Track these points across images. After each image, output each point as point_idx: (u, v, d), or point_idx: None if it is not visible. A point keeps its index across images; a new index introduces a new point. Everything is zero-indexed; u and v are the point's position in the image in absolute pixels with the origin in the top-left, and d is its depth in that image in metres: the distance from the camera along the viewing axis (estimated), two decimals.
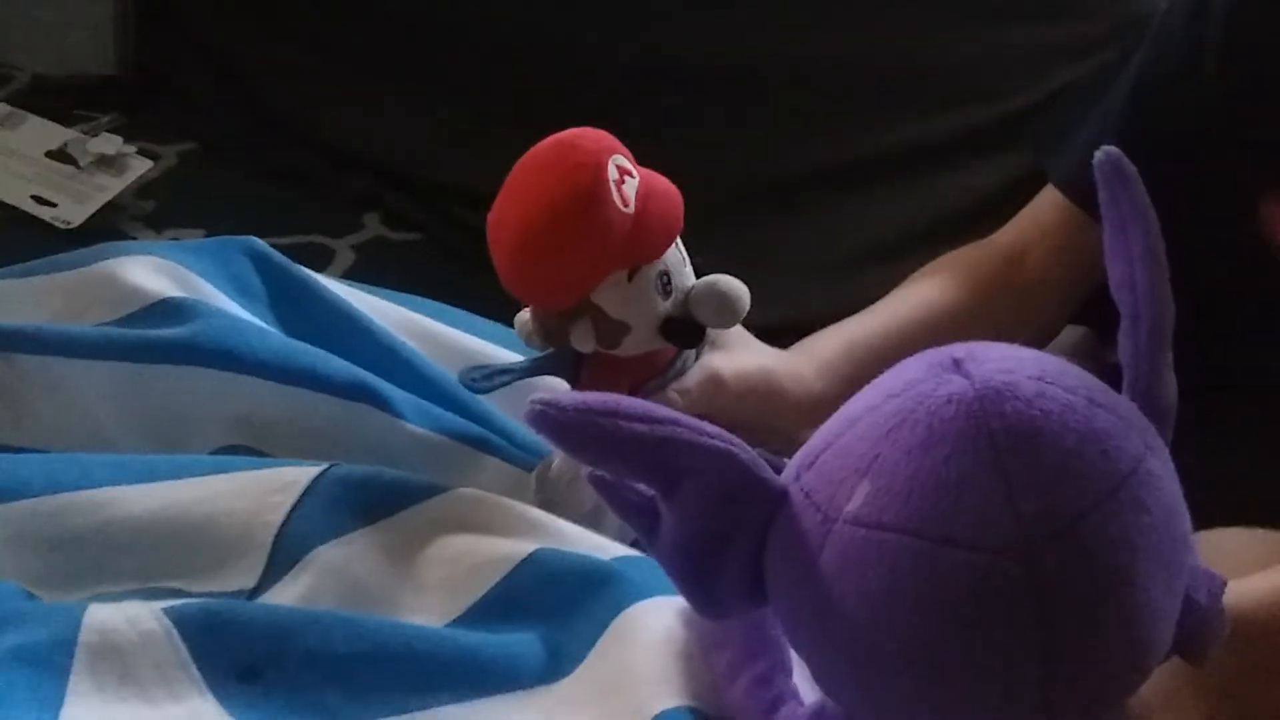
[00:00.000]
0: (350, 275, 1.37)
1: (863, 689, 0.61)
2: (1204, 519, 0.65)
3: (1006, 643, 0.58)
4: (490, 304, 0.97)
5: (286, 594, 0.77)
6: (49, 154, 1.55)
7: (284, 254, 1.01)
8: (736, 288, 0.87)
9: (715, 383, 0.91)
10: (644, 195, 0.84)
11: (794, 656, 0.68)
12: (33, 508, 0.80)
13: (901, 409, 0.60)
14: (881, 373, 0.63)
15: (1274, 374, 0.98)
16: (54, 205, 1.49)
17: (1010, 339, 0.64)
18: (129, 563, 0.79)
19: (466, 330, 1.01)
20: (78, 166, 1.53)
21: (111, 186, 1.51)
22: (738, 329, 0.94)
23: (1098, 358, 1.10)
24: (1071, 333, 1.14)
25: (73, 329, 0.92)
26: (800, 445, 0.64)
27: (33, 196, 1.50)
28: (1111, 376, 0.65)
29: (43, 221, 1.48)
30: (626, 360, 0.87)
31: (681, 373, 0.90)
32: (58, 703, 0.67)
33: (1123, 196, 0.66)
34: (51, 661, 0.69)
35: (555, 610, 0.75)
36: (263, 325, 0.95)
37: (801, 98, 1.45)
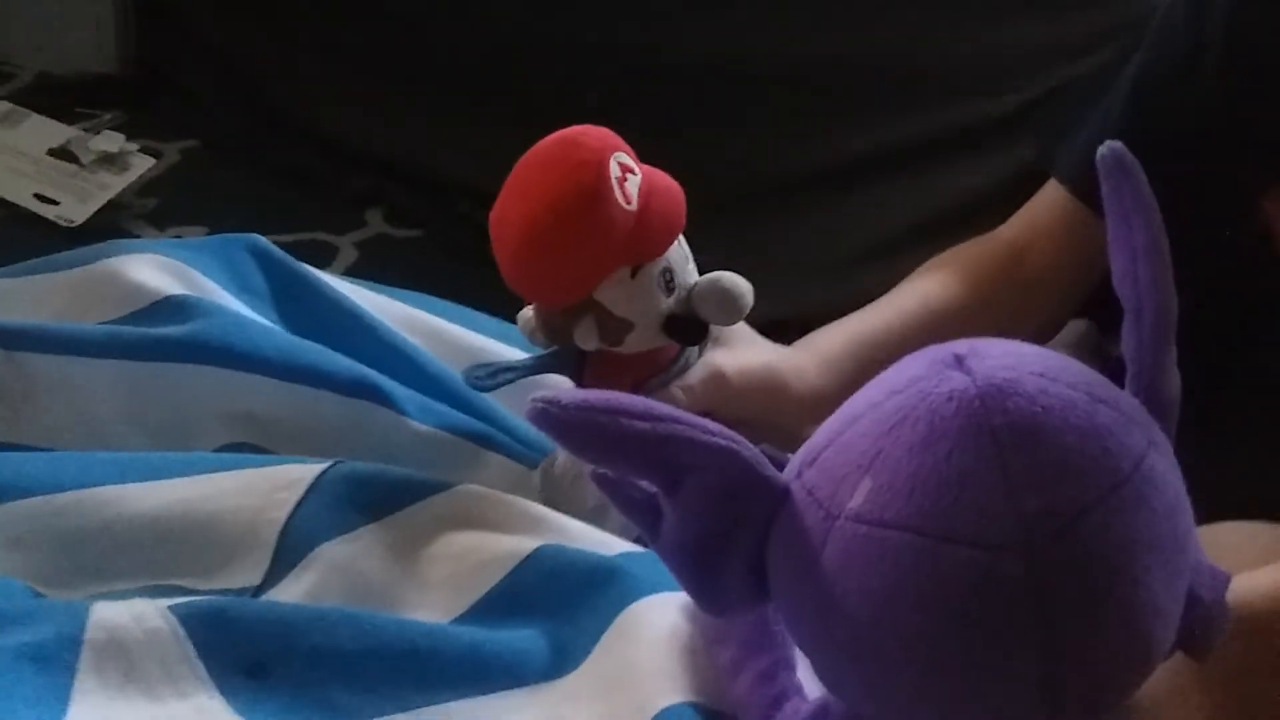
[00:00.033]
0: (353, 272, 1.37)
1: (865, 686, 0.61)
2: (1204, 518, 0.65)
3: (1008, 640, 0.57)
4: (493, 301, 0.97)
5: (291, 591, 0.77)
6: (51, 152, 1.55)
7: (286, 251, 1.01)
8: (739, 284, 0.87)
9: (718, 380, 0.91)
10: (646, 192, 0.84)
11: (798, 652, 0.68)
12: (37, 506, 0.80)
13: (903, 405, 0.60)
14: (884, 369, 0.63)
15: (1274, 373, 0.98)
16: (56, 203, 1.49)
17: (1012, 334, 0.64)
18: (134, 561, 0.79)
19: (469, 327, 1.01)
20: (80, 164, 1.53)
21: (114, 184, 1.51)
22: (741, 326, 0.94)
23: (1101, 352, 1.10)
24: (1074, 327, 1.14)
25: (76, 327, 0.92)
26: (803, 442, 0.64)
27: (35, 195, 1.50)
28: (1115, 370, 0.65)
29: (45, 220, 1.47)
30: (630, 357, 0.88)
31: (685, 370, 0.90)
32: (64, 700, 0.67)
33: (1125, 190, 0.66)
34: (57, 659, 0.68)
35: (559, 606, 0.75)
36: (266, 323, 0.95)
37: (801, 97, 1.44)
